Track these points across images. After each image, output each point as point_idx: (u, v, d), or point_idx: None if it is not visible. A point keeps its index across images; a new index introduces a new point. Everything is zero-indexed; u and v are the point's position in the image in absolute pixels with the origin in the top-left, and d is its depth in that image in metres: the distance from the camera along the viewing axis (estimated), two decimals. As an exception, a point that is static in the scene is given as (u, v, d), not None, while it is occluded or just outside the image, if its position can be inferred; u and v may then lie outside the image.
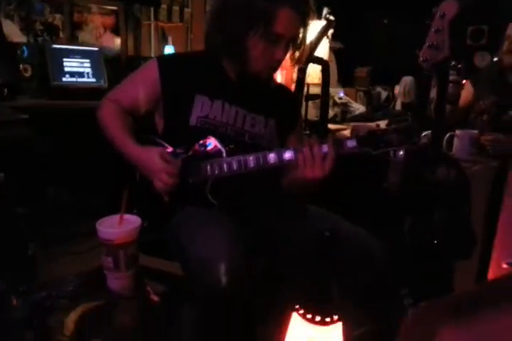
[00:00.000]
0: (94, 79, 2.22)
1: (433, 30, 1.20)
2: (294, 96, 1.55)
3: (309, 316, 0.56)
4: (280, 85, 1.40)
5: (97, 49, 2.24)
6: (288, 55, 1.19)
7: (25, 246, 1.64)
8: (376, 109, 3.13)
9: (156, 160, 1.10)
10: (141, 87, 1.21)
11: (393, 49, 3.38)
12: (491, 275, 0.75)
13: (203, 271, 0.94)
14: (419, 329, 0.47)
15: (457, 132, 1.84)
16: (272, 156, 1.10)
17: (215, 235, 1.01)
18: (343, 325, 0.59)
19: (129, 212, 0.95)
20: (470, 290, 0.53)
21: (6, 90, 1.88)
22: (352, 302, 0.96)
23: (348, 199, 1.87)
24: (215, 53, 1.21)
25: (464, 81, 2.22)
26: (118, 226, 0.92)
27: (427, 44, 1.22)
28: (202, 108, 1.18)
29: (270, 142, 1.25)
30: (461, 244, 1.41)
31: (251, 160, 1.11)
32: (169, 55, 1.36)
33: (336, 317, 0.57)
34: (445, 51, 1.21)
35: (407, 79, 2.96)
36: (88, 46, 2.25)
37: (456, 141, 1.86)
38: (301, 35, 1.16)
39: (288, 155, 1.10)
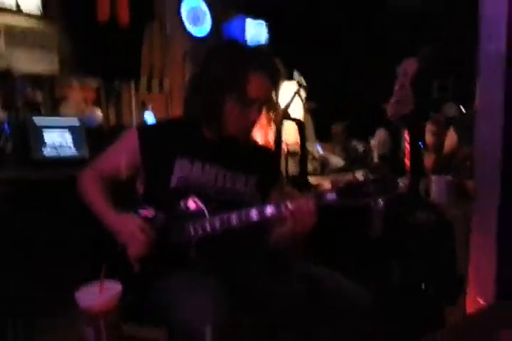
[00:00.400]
0: (75, 151, 2.26)
1: (397, 86, 1.30)
2: (273, 153, 1.61)
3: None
4: (258, 144, 1.45)
5: (77, 121, 2.31)
6: (263, 116, 1.25)
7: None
8: (354, 161, 3.21)
9: (131, 229, 1.11)
10: (122, 155, 1.25)
11: (366, 105, 3.57)
12: (468, 310, 0.74)
13: (189, 334, 0.92)
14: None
15: (433, 178, 1.89)
16: (254, 213, 1.12)
17: (199, 297, 1.00)
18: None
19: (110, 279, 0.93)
20: (454, 327, 0.53)
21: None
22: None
23: (333, 248, 1.87)
24: (192, 117, 1.27)
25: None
26: (99, 294, 0.90)
27: (393, 99, 1.32)
28: (182, 170, 1.21)
29: (252, 199, 1.27)
30: (447, 288, 1.39)
31: (233, 218, 1.12)
32: (148, 124, 1.43)
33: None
34: (410, 105, 1.30)
35: (381, 132, 3.09)
36: (68, 118, 2.31)
37: (433, 186, 1.91)
38: (273, 97, 1.23)
39: (269, 210, 1.11)
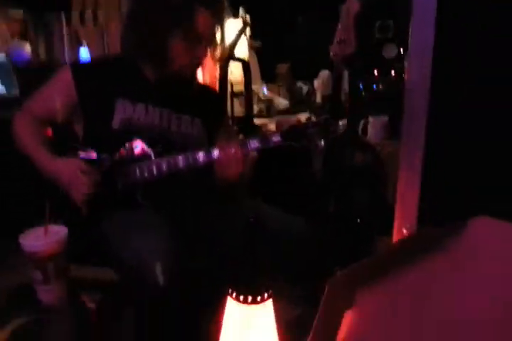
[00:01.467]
0: (3, 89, 2.09)
1: (340, 27, 1.29)
2: (218, 95, 1.59)
3: (241, 297, 0.60)
4: (203, 85, 1.42)
5: (3, 56, 2.11)
6: (208, 55, 1.22)
7: None
8: (298, 102, 3.25)
9: (72, 171, 1.09)
10: (56, 95, 1.18)
11: (311, 45, 3.53)
12: (394, 239, 0.85)
13: (140, 272, 0.95)
14: (340, 294, 0.53)
15: (370, 119, 1.99)
16: (200, 155, 1.13)
17: (147, 236, 1.02)
18: (276, 302, 0.64)
19: (55, 222, 0.93)
20: (380, 254, 0.61)
21: None
22: (283, 281, 1.01)
23: (277, 188, 1.96)
24: (131, 55, 1.20)
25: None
26: (43, 238, 0.90)
27: (336, 40, 1.32)
28: (124, 111, 1.17)
29: (198, 141, 1.27)
30: (381, 221, 1.53)
31: (180, 160, 1.13)
32: (83, 62, 1.34)
33: (266, 296, 0.61)
34: (352, 46, 1.31)
35: (325, 73, 3.11)
36: (-6, 54, 2.11)
37: (369, 127, 2.01)
38: (218, 33, 1.19)
39: (216, 153, 1.13)
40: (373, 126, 1.95)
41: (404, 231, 0.81)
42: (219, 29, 1.18)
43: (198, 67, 1.23)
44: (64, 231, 0.92)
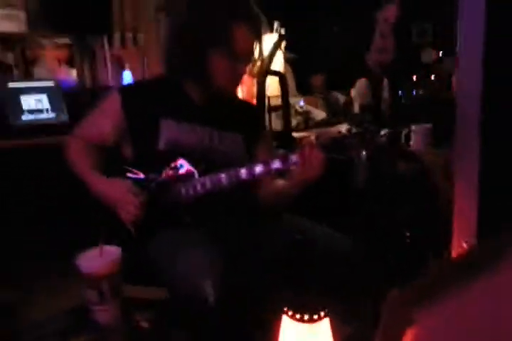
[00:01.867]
0: (54, 115, 2.20)
1: (378, 34, 1.28)
2: (257, 110, 1.59)
3: (298, 316, 0.59)
4: (242, 100, 1.44)
5: (53, 83, 2.23)
6: (248, 70, 1.22)
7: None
8: (336, 113, 3.22)
9: (121, 192, 1.13)
10: (105, 119, 1.23)
11: (345, 55, 3.51)
12: (454, 254, 0.81)
13: (189, 290, 0.96)
14: (399, 312, 0.51)
15: (413, 127, 1.94)
16: (243, 172, 1.14)
17: (195, 254, 1.03)
18: (331, 321, 0.62)
19: (108, 243, 0.96)
20: (440, 270, 0.58)
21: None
22: (336, 300, 0.99)
23: (319, 202, 1.93)
24: (175, 76, 1.23)
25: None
26: (99, 259, 0.93)
27: (374, 48, 1.30)
28: (169, 131, 1.20)
29: (240, 158, 1.27)
30: (435, 235, 1.48)
31: (223, 177, 1.15)
32: (129, 85, 1.39)
33: (322, 314, 0.60)
34: (391, 53, 1.29)
35: (362, 82, 3.07)
36: (44, 81, 2.23)
37: (412, 135, 1.96)
38: (257, 49, 1.20)
39: (258, 169, 1.13)
40: (416, 135, 1.90)
41: (464, 245, 0.78)
42: (257, 44, 1.19)
43: (238, 84, 1.25)
44: (118, 252, 0.94)
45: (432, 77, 3.42)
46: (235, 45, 1.13)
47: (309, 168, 1.09)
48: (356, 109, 3.19)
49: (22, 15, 2.24)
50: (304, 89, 3.31)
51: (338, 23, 3.75)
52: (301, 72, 3.20)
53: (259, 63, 1.26)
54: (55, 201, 1.76)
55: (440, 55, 3.44)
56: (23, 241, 1.77)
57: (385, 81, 1.59)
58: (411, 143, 1.94)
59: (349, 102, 3.36)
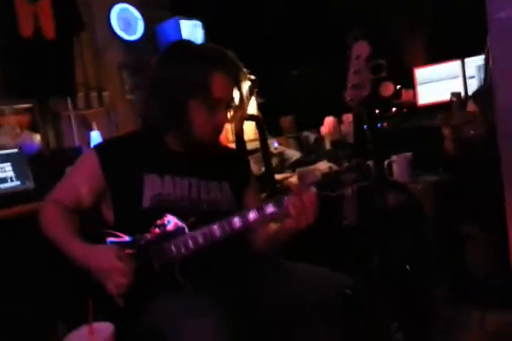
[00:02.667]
0: (19, 182, 2.08)
1: (352, 71, 1.28)
2: (241, 155, 1.56)
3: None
4: (224, 147, 1.40)
5: (16, 150, 2.12)
6: (229, 117, 1.20)
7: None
8: (308, 152, 3.24)
9: (107, 261, 1.02)
10: (83, 181, 1.15)
11: (308, 95, 3.61)
12: None
13: None
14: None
15: (394, 158, 1.94)
16: (236, 220, 1.07)
17: (198, 322, 0.92)
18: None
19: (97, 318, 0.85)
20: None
21: None
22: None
23: (310, 243, 1.85)
24: (155, 128, 1.18)
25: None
26: (90, 338, 0.81)
27: (350, 84, 1.30)
28: (153, 187, 1.13)
29: (229, 205, 1.22)
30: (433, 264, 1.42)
31: (216, 229, 1.07)
32: (106, 142, 1.31)
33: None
34: (367, 88, 1.29)
35: (330, 120, 3.14)
36: (6, 149, 2.12)
37: (394, 166, 1.95)
38: (238, 96, 1.18)
39: (252, 215, 1.07)
40: (398, 164, 1.90)
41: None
42: (237, 90, 1.17)
43: (220, 132, 1.20)
44: (110, 329, 0.83)
45: (393, 110, 3.56)
46: (213, 93, 1.10)
47: (303, 211, 1.04)
48: (328, 145, 3.23)
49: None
50: (273, 131, 3.33)
51: (296, 67, 3.90)
52: (269, 115, 3.24)
53: (241, 110, 1.22)
54: (32, 274, 1.60)
55: (398, 88, 3.61)
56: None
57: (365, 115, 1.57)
58: (394, 173, 1.93)
59: (320, 140, 3.40)
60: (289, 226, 1.10)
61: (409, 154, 1.93)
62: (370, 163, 1.56)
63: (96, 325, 0.83)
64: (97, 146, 1.20)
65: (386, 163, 1.96)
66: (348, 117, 3.30)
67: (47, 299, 1.26)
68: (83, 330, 0.83)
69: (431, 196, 1.89)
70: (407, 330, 1.40)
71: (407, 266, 1.63)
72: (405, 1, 3.74)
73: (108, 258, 1.02)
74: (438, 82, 3.10)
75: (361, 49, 1.26)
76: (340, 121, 3.23)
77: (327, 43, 3.77)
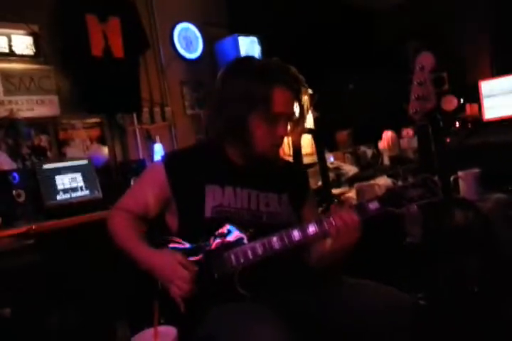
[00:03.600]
0: (88, 192, 2.20)
1: (416, 83, 1.25)
2: (300, 168, 1.56)
3: None
4: (284, 160, 1.41)
5: (86, 161, 2.26)
6: (289, 131, 1.20)
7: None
8: (366, 167, 3.17)
9: (171, 266, 1.06)
10: (150, 190, 1.20)
11: (365, 109, 3.55)
12: None
13: None
14: None
15: (460, 174, 1.84)
16: (296, 233, 1.08)
17: (259, 330, 0.92)
18: None
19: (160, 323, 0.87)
20: None
21: (0, 219, 1.84)
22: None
23: (370, 261, 1.79)
24: (218, 141, 1.22)
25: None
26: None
27: (414, 97, 1.26)
28: (214, 197, 1.16)
29: (288, 218, 1.22)
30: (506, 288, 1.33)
31: (275, 241, 1.08)
32: (172, 154, 1.37)
33: None
34: (432, 100, 1.25)
35: (388, 134, 3.06)
36: (77, 160, 2.27)
37: (461, 182, 1.86)
38: (299, 110, 1.19)
39: (312, 229, 1.08)
40: (465, 181, 1.80)
41: None
42: (298, 104, 1.17)
43: (280, 145, 1.22)
44: (173, 333, 0.84)
45: (457, 124, 3.41)
46: (274, 108, 1.12)
47: (345, 231, 1.05)
48: (386, 161, 3.14)
49: (55, 99, 2.35)
50: (329, 146, 3.30)
51: (353, 80, 3.86)
52: (325, 129, 3.22)
53: (302, 124, 1.23)
54: (100, 280, 1.68)
55: (461, 101, 3.46)
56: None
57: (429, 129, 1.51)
58: (460, 190, 1.83)
59: (377, 155, 3.32)
60: (330, 247, 1.10)
61: (476, 170, 1.83)
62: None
63: (160, 328, 0.85)
64: (164, 158, 1.26)
65: (452, 179, 1.87)
66: (407, 131, 3.20)
67: (112, 300, 1.32)
68: (148, 332, 0.85)
69: (501, 215, 1.77)
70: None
71: (475, 288, 1.53)
72: (465, 12, 3.62)
73: (172, 263, 1.06)
74: (505, 95, 2.94)
75: (426, 60, 1.23)
76: (399, 136, 3.15)
77: (384, 56, 3.72)
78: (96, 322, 1.61)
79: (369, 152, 3.41)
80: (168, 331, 0.86)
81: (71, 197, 2.13)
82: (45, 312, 1.54)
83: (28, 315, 1.42)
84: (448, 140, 2.91)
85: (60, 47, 2.38)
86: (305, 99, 1.22)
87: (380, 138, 3.14)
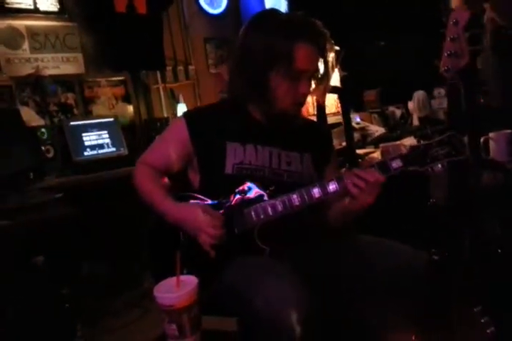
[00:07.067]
0: (114, 149, 2.25)
1: (449, 38, 1.17)
2: (324, 128, 1.52)
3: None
4: (308, 119, 1.38)
5: (112, 119, 2.29)
6: (312, 89, 1.17)
7: (74, 329, 1.58)
8: (393, 128, 3.09)
9: (198, 215, 1.07)
10: (172, 146, 1.20)
11: (395, 68, 3.41)
12: None
13: (273, 322, 0.88)
14: None
15: (491, 135, 1.77)
16: (316, 191, 1.07)
17: (278, 282, 0.95)
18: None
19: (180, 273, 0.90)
20: None
21: (31, 174, 1.91)
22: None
23: (392, 220, 1.79)
24: (239, 99, 1.20)
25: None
26: (177, 290, 0.86)
27: (446, 53, 1.19)
28: (235, 155, 1.15)
29: (309, 177, 1.21)
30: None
31: (295, 198, 1.08)
32: (195, 111, 1.36)
33: None
34: (465, 57, 1.18)
35: (419, 94, 2.95)
36: (103, 118, 2.30)
37: (492, 144, 1.79)
38: (322, 68, 1.15)
39: (332, 186, 1.07)
40: (496, 142, 1.73)
41: None
42: (323, 61, 1.13)
43: (302, 104, 1.19)
44: (195, 281, 0.87)
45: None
46: (296, 64, 1.08)
47: (365, 190, 1.03)
48: (416, 122, 3.05)
49: (80, 57, 2.35)
50: (356, 106, 3.21)
51: (383, 37, 3.69)
52: (352, 88, 3.12)
53: (326, 82, 1.19)
54: (125, 234, 1.75)
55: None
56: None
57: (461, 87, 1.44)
58: (490, 152, 1.77)
59: (406, 116, 3.22)
60: (349, 205, 1.10)
61: (509, 131, 1.75)
62: (465, 138, 1.46)
63: (182, 277, 0.88)
64: (186, 114, 1.25)
65: (482, 140, 1.80)
66: (439, 91, 3.08)
67: (137, 254, 1.38)
68: (171, 281, 0.88)
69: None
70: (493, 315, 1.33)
71: (499, 250, 1.51)
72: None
73: (199, 213, 1.07)
74: (548, 53, 2.75)
75: (460, 15, 1.15)
76: (430, 96, 3.03)
77: (416, 11, 3.51)
78: (123, 272, 1.70)
79: (398, 112, 3.32)
80: (190, 279, 0.88)
81: (98, 154, 2.19)
82: (75, 261, 1.63)
83: (60, 263, 1.51)
84: (481, 100, 2.79)
85: (83, 3, 2.36)
86: (330, 55, 1.17)
87: (410, 98, 3.04)
